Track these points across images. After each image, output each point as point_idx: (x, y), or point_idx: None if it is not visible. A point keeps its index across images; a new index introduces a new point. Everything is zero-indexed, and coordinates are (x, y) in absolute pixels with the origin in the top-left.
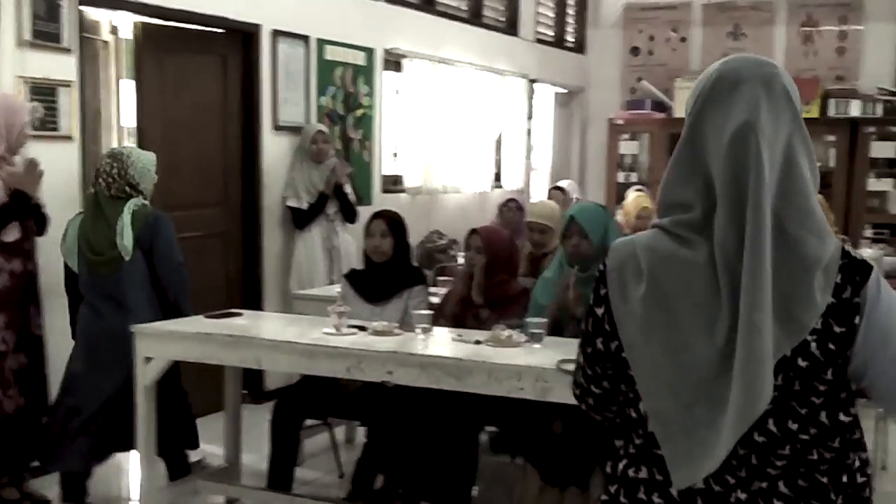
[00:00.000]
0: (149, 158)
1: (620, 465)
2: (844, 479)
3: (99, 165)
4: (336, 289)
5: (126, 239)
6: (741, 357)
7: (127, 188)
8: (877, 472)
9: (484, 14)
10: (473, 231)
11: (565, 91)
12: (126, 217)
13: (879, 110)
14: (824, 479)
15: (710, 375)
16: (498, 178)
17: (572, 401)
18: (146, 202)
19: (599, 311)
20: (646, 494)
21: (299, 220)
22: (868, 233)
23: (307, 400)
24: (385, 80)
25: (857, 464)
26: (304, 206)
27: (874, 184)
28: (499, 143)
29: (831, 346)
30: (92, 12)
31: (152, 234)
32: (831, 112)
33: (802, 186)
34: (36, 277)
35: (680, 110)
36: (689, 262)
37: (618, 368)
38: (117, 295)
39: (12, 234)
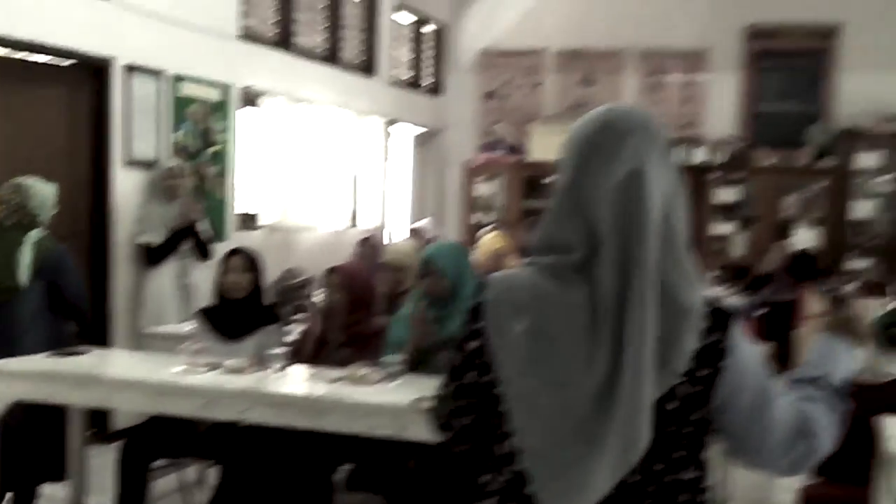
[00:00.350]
0: (49, 190)
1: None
2: None
3: None
4: (188, 326)
5: (22, 269)
6: (625, 404)
7: (26, 219)
8: None
9: (341, 55)
10: (332, 269)
11: (423, 132)
12: (27, 248)
13: (723, 157)
14: None
15: (587, 415)
16: (355, 216)
17: (429, 438)
18: (47, 233)
19: (473, 344)
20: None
21: (152, 256)
22: (712, 274)
23: (156, 439)
24: (241, 117)
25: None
26: (156, 242)
27: (718, 228)
28: (356, 181)
29: (696, 388)
30: None
31: (56, 266)
32: (678, 159)
33: (680, 235)
34: None
35: (534, 154)
36: (568, 302)
37: (487, 403)
38: (7, 324)
39: None
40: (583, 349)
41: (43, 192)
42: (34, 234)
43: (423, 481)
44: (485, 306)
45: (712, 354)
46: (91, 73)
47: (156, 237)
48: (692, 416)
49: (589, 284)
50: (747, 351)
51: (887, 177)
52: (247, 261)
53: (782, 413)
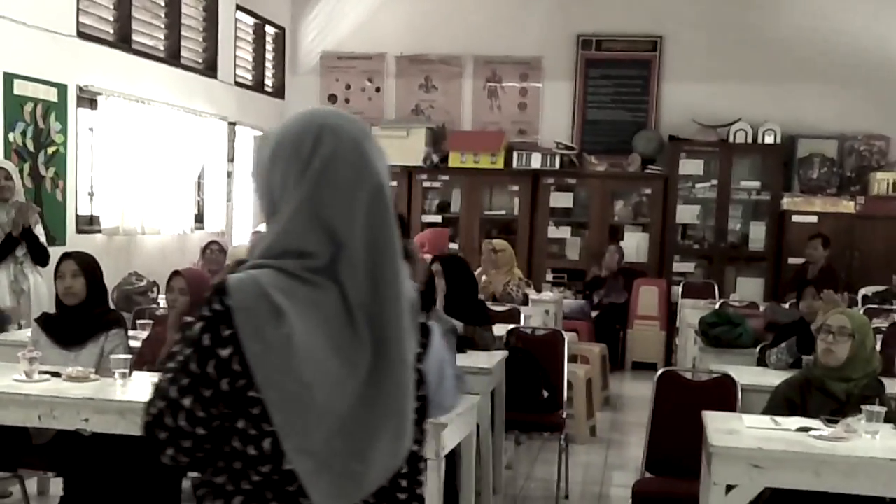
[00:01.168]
0: None
1: (235, 502)
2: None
3: None
4: (26, 333)
5: None
6: (396, 398)
7: None
8: (560, 500)
9: (182, 55)
10: (176, 273)
11: (263, 134)
12: None
13: (557, 163)
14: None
15: (355, 409)
16: (199, 219)
17: None
18: None
19: (225, 352)
20: (264, 461)
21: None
22: (549, 277)
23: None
24: (79, 117)
25: None
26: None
27: (554, 231)
28: (200, 184)
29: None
30: None
31: None
32: (515, 164)
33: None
34: None
35: None
36: (323, 302)
37: (239, 408)
38: None
39: None
40: (344, 349)
41: None
42: None
43: None
44: (232, 312)
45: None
46: None
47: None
48: (417, 394)
49: (337, 286)
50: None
51: (706, 184)
52: (79, 265)
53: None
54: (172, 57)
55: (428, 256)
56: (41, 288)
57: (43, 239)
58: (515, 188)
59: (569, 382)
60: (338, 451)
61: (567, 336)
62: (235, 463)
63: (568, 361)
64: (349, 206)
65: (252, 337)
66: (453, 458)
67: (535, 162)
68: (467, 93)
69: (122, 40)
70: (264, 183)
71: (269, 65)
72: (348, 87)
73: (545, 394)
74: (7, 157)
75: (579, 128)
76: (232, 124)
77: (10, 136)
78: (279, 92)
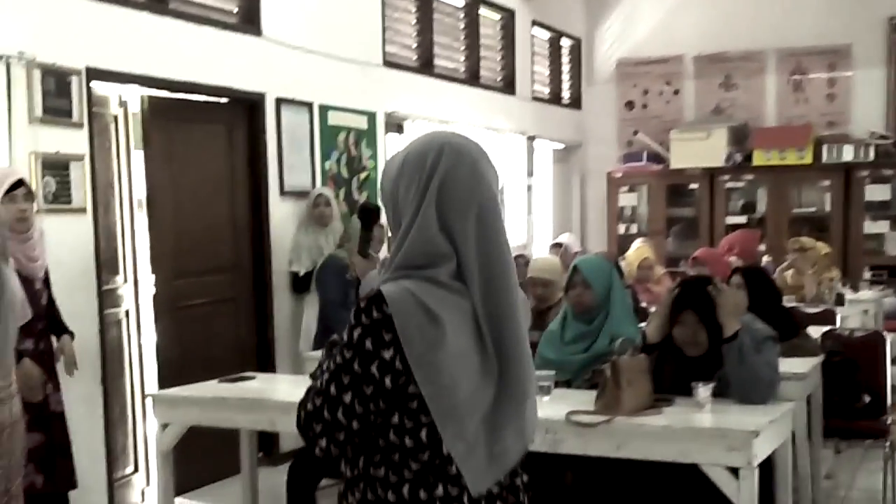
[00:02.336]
0: None
1: (404, 490)
2: None
3: None
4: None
5: None
6: (528, 396)
7: None
8: None
9: (481, 75)
10: None
11: (563, 147)
12: None
13: (872, 154)
14: None
15: (493, 401)
16: None
17: (584, 451)
18: None
19: (387, 353)
20: (423, 449)
21: (298, 285)
22: (867, 275)
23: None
24: (388, 142)
25: None
26: (302, 271)
27: (870, 226)
28: (501, 199)
29: None
30: (101, 87)
31: None
32: (825, 158)
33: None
34: (51, 356)
35: (676, 162)
36: (462, 306)
37: (397, 403)
38: None
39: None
40: (479, 351)
41: None
42: None
43: (579, 497)
44: (392, 318)
45: None
46: (246, 109)
47: (303, 266)
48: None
49: (464, 295)
50: None
51: None
52: None
53: None
54: (472, 77)
55: (735, 261)
56: None
57: None
58: (826, 183)
59: (892, 386)
60: (483, 437)
61: (889, 337)
62: (394, 455)
63: (891, 364)
64: (464, 218)
65: (412, 340)
66: (769, 468)
67: (847, 154)
68: (770, 88)
69: (425, 65)
70: (392, 197)
71: (565, 77)
72: (645, 92)
73: (866, 399)
74: (324, 184)
75: (895, 116)
76: (531, 139)
77: (327, 164)
78: (576, 103)
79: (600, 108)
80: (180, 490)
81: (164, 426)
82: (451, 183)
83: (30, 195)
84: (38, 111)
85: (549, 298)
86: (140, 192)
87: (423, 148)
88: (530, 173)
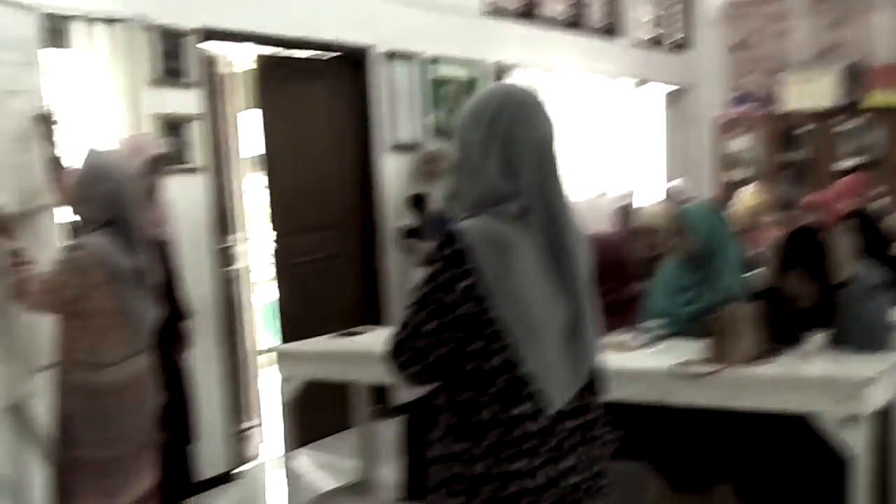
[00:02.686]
0: None
1: (489, 410)
2: None
3: None
4: None
5: None
6: (589, 317)
7: None
8: None
9: (586, 20)
10: None
11: (671, 91)
12: None
13: None
14: None
15: (566, 325)
16: (608, 183)
17: (694, 402)
18: None
19: (465, 282)
20: (529, 425)
21: (413, 236)
22: None
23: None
24: None
25: None
26: (413, 225)
27: None
28: (607, 147)
29: None
30: (215, 47)
31: None
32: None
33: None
34: (178, 318)
35: (787, 104)
36: (529, 238)
37: (476, 329)
38: None
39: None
40: (550, 279)
41: None
42: None
43: (692, 450)
44: (468, 250)
45: None
46: (352, 63)
47: (413, 221)
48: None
49: (529, 229)
50: None
51: None
52: None
53: None
54: (577, 23)
55: (847, 205)
56: None
57: None
58: None
59: None
60: (558, 356)
61: None
62: (476, 379)
63: None
64: (522, 163)
65: (486, 267)
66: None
67: None
68: (883, 25)
69: (528, 12)
70: (460, 146)
71: (672, 20)
72: (754, 32)
73: None
74: (431, 137)
75: None
76: (637, 84)
77: (433, 116)
78: (683, 46)
79: (708, 51)
80: (299, 442)
81: (286, 380)
82: (510, 131)
83: (164, 167)
84: (156, 73)
85: (656, 246)
86: (251, 150)
87: (487, 101)
88: (637, 119)
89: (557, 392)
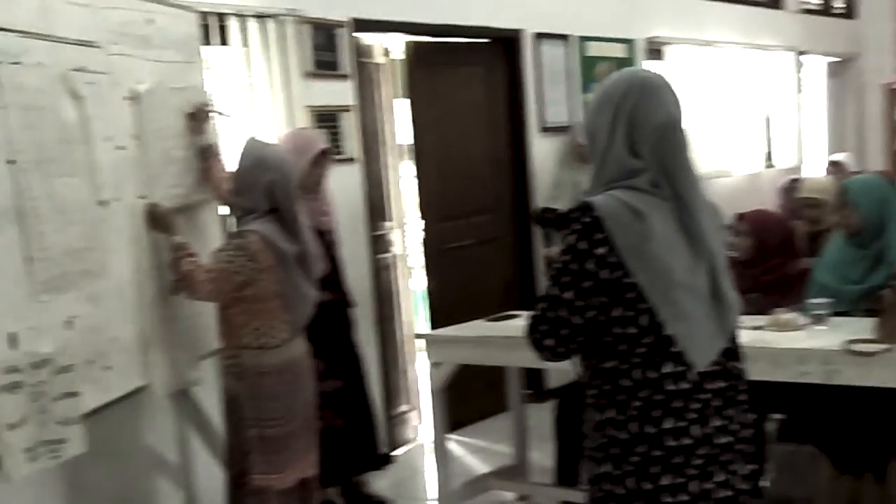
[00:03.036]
0: None
1: (636, 373)
2: None
3: None
4: None
5: None
6: (727, 282)
7: None
8: None
9: None
10: (740, 216)
11: (836, 60)
12: None
13: None
14: None
15: (706, 284)
16: (770, 157)
17: (863, 382)
18: None
19: (601, 250)
20: (674, 384)
21: (548, 222)
22: None
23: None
24: (647, 68)
25: None
26: (561, 209)
27: None
28: (768, 120)
29: None
30: (366, 38)
31: None
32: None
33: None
34: (346, 305)
35: None
36: (664, 206)
37: (616, 295)
38: None
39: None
40: (686, 243)
41: None
42: None
43: (862, 431)
44: (601, 219)
45: None
46: (503, 47)
47: (562, 204)
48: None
49: (661, 200)
50: None
51: None
52: None
53: None
54: None
55: None
56: None
57: None
58: None
59: None
60: (701, 317)
61: None
62: (620, 346)
63: None
64: (647, 141)
65: (621, 234)
66: None
67: None
68: None
69: None
70: (591, 127)
71: None
72: None
73: None
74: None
75: None
76: (800, 54)
77: (586, 97)
78: (849, 12)
79: (876, 16)
80: (451, 427)
81: (436, 365)
82: (636, 112)
83: (329, 160)
84: (310, 66)
85: (821, 221)
86: (404, 138)
87: (615, 85)
88: (800, 90)
89: (702, 352)
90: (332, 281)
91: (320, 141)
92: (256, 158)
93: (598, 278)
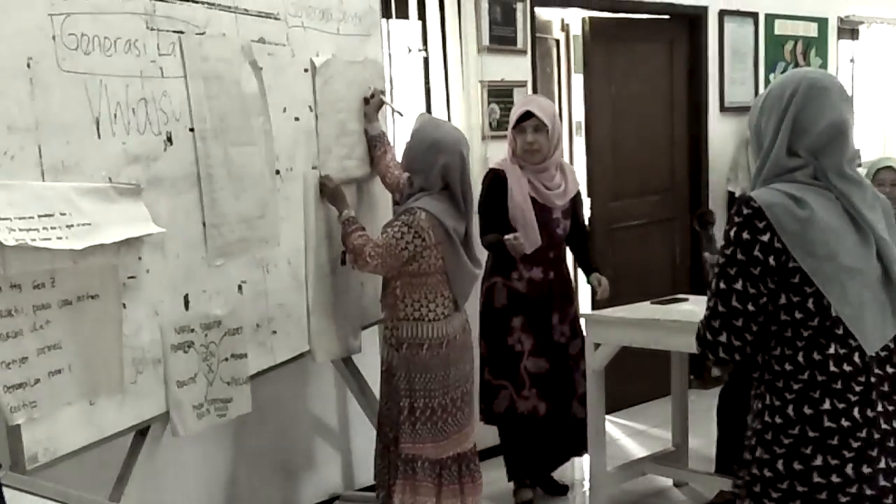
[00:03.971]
0: None
1: (799, 357)
2: None
3: None
4: None
5: None
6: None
7: None
8: None
9: None
10: None
11: None
12: None
13: None
14: None
15: (877, 269)
16: None
17: None
18: None
19: (765, 237)
20: (836, 366)
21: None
22: None
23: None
24: (840, 49)
25: None
26: (738, 191)
27: None
28: None
29: None
30: (544, 12)
31: None
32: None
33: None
34: (562, 285)
35: None
36: (828, 196)
37: (782, 280)
38: None
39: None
40: (852, 231)
41: None
42: None
43: None
44: (762, 209)
45: None
46: (687, 24)
47: (739, 186)
48: None
49: (825, 189)
50: None
51: None
52: None
53: None
54: None
55: None
56: None
57: None
58: None
59: None
60: (870, 300)
61: None
62: (786, 332)
63: None
64: (810, 142)
65: (783, 221)
66: None
67: None
68: None
69: None
70: (756, 127)
71: None
72: None
73: None
74: None
75: None
76: None
77: (772, 76)
78: None
79: None
80: (609, 409)
81: (597, 346)
82: (800, 116)
83: (540, 126)
84: (486, 40)
85: None
86: (579, 114)
87: (781, 86)
88: None
89: (871, 335)
90: (551, 258)
91: (523, 105)
92: (432, 139)
93: (766, 265)
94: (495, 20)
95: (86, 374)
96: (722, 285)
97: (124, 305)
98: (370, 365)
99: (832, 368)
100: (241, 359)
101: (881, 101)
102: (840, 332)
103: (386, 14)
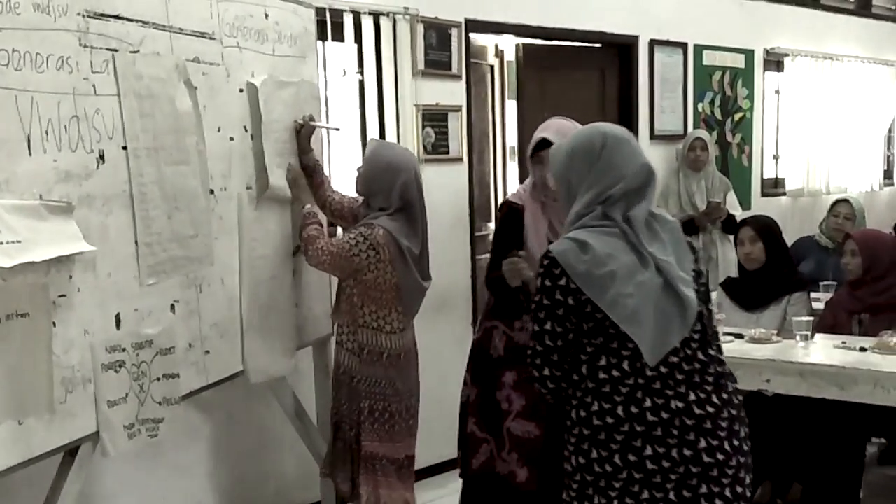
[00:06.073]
0: None
1: (600, 373)
2: None
3: None
4: (712, 298)
5: None
6: (680, 289)
7: None
8: None
9: (874, 3)
10: (849, 236)
11: None
12: None
13: None
14: None
15: (658, 292)
16: (888, 175)
17: None
18: None
19: (562, 281)
20: (629, 375)
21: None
22: None
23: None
24: (766, 81)
25: None
26: (669, 218)
27: None
28: (890, 138)
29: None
30: (479, 38)
31: None
32: None
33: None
34: None
35: None
36: (612, 232)
37: (581, 314)
38: None
39: None
40: (634, 253)
41: None
42: None
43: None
44: (556, 257)
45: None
46: (617, 53)
47: (670, 213)
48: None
49: (617, 227)
50: None
51: None
52: (756, 231)
53: None
54: (862, 8)
55: None
56: (729, 254)
57: (736, 207)
58: None
59: None
60: (651, 315)
61: None
62: (594, 358)
63: None
64: (616, 183)
65: (572, 265)
66: None
67: None
68: None
69: None
70: (563, 179)
71: None
72: None
73: None
74: (696, 127)
75: None
76: None
77: (699, 105)
78: None
79: None
80: None
81: None
82: (610, 162)
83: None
84: (421, 64)
85: None
86: (512, 140)
87: (589, 138)
88: None
89: (652, 350)
90: None
91: (540, 132)
92: (388, 160)
93: (566, 304)
94: (430, 45)
95: (14, 393)
96: (536, 328)
97: (54, 324)
98: (307, 386)
99: (628, 381)
100: (174, 379)
101: (804, 130)
102: (629, 346)
103: (322, 36)
